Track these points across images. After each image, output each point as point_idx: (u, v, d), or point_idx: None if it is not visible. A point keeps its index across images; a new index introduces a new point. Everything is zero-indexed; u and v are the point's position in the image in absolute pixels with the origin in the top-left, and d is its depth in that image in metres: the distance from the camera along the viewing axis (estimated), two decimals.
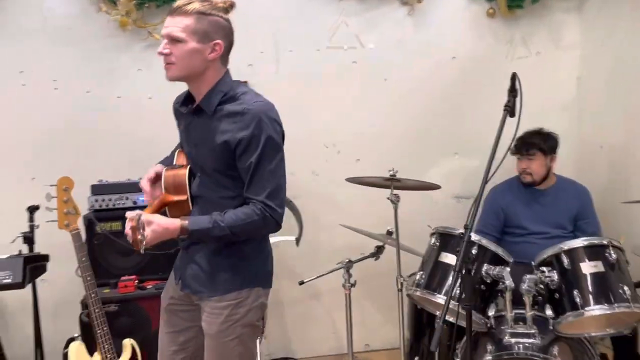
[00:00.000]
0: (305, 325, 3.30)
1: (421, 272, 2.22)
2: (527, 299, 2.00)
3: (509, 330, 2.03)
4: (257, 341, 1.80)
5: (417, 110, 3.27)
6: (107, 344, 2.23)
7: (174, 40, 1.62)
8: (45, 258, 2.42)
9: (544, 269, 2.04)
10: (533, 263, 2.17)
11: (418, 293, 2.18)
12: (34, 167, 2.90)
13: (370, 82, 3.22)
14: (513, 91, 1.76)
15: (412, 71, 3.25)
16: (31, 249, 2.50)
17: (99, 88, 2.98)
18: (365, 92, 3.22)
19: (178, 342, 1.78)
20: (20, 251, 2.38)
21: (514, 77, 1.76)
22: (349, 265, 2.62)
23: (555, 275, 2.02)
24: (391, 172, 2.50)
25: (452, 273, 2.15)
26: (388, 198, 2.46)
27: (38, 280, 2.55)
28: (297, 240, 2.68)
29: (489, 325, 2.13)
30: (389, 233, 2.68)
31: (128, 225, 1.60)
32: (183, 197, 1.72)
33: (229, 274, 1.71)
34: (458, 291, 2.12)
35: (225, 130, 1.65)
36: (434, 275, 2.17)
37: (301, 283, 2.62)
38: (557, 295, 2.03)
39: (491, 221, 2.91)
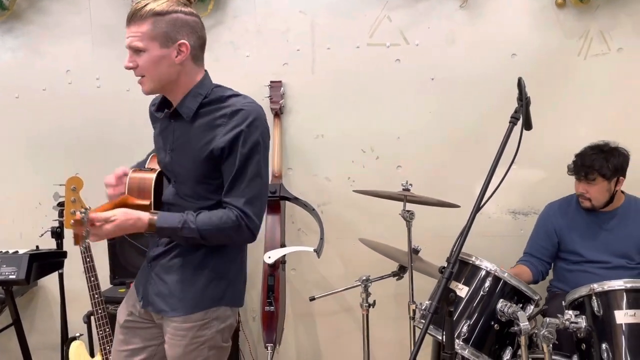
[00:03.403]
0: (337, 339, 3.12)
1: (430, 302, 1.96)
2: (546, 348, 1.66)
3: None
4: None
5: (468, 114, 2.93)
6: (109, 345, 2.22)
7: (136, 51, 1.53)
8: (61, 254, 2.47)
9: (571, 313, 1.69)
10: (563, 303, 1.82)
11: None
12: (77, 163, 3.02)
13: (416, 82, 2.94)
14: (522, 99, 1.44)
15: (464, 70, 2.91)
16: (59, 245, 2.59)
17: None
18: (410, 93, 2.95)
19: None
20: (37, 247, 2.46)
21: (520, 83, 1.44)
22: (366, 283, 2.41)
23: (582, 322, 1.67)
24: (404, 186, 2.23)
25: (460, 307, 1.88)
26: (400, 214, 2.20)
27: (71, 274, 2.65)
28: (318, 252, 2.51)
29: None
30: (416, 251, 2.42)
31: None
32: (145, 202, 1.63)
33: (195, 293, 1.60)
34: (467, 329, 1.86)
35: (209, 136, 1.55)
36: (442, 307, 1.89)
37: (312, 299, 2.46)
38: (584, 346, 1.67)
39: (542, 243, 2.54)
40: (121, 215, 1.52)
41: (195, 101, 1.57)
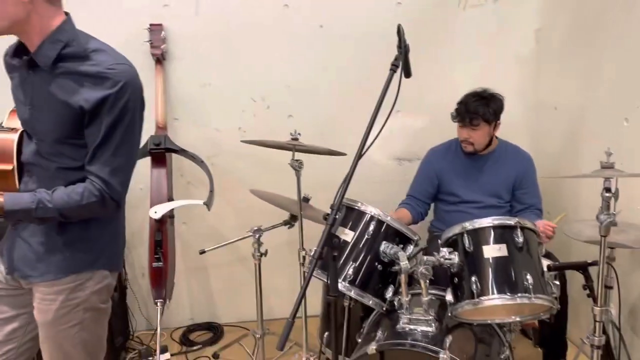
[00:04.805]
0: (231, 290, 3.13)
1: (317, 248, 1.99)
2: (423, 284, 1.78)
3: (405, 316, 1.83)
4: (106, 324, 1.61)
5: (356, 62, 2.97)
6: None
7: None
8: None
9: (445, 250, 1.82)
10: (439, 241, 1.94)
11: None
12: None
13: (304, 29, 2.90)
14: (401, 47, 1.46)
15: (352, 18, 2.92)
16: None
17: None
18: (298, 40, 2.91)
19: (3, 333, 1.55)
20: None
21: (399, 30, 1.46)
22: (258, 233, 2.41)
23: (455, 258, 1.80)
24: (292, 135, 2.23)
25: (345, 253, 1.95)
26: (289, 164, 2.20)
27: None
28: (208, 205, 2.45)
29: (385, 308, 1.94)
30: (306, 200, 2.45)
31: None
32: (8, 167, 1.48)
33: (64, 255, 1.49)
34: (353, 271, 1.93)
35: (71, 91, 1.40)
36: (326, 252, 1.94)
37: (202, 252, 2.42)
38: (456, 280, 1.81)
39: (424, 186, 2.68)
40: None
41: (54, 48, 1.41)
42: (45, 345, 1.53)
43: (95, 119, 1.40)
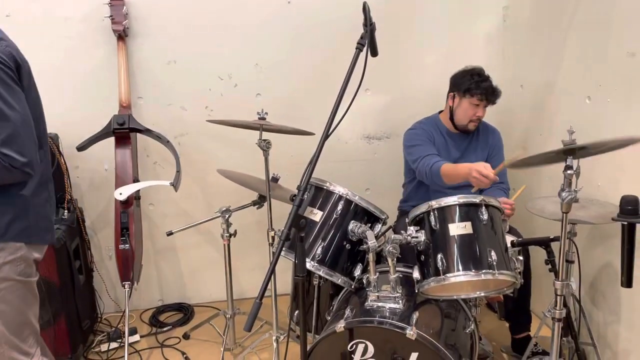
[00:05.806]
0: (201, 270, 3.11)
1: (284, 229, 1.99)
2: (391, 262, 1.80)
3: (374, 293, 1.85)
4: (31, 301, 1.61)
5: (325, 40, 2.93)
6: None
7: None
8: None
9: (412, 228, 1.83)
10: (406, 220, 1.96)
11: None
12: None
13: (272, 5, 2.85)
14: (367, 25, 1.44)
15: None
16: None
17: None
18: (266, 16, 2.85)
19: None
20: None
21: (365, 8, 1.44)
22: (227, 214, 2.39)
23: (422, 236, 1.82)
24: (260, 114, 2.20)
25: (315, 232, 1.95)
26: (256, 144, 2.17)
27: None
28: (175, 186, 2.40)
29: (353, 286, 1.95)
30: (275, 179, 2.43)
31: None
32: None
33: None
34: (321, 250, 1.94)
35: None
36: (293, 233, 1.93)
37: (169, 234, 2.39)
38: (423, 258, 1.83)
39: (431, 146, 2.48)
40: None
41: None
42: None
43: None
